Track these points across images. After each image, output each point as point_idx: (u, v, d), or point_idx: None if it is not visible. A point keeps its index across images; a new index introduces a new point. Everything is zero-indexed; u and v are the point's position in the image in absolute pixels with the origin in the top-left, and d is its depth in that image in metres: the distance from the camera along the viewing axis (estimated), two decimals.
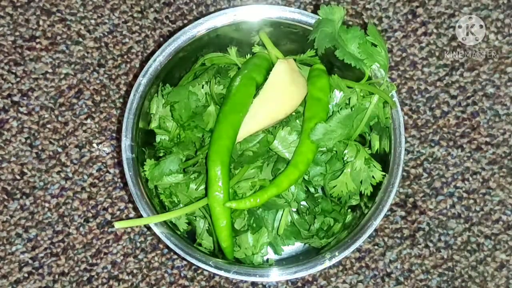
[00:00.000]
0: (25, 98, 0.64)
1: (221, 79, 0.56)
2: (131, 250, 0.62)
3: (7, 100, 0.64)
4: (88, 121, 0.64)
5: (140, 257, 0.62)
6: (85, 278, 0.61)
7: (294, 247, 0.58)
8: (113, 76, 0.65)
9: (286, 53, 0.56)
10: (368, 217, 0.52)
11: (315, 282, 0.62)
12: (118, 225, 0.51)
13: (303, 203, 0.55)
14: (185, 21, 0.66)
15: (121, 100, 0.64)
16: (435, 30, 0.65)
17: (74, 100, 0.64)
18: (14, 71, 0.64)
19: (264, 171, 0.53)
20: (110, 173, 0.63)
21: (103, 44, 0.65)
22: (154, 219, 0.51)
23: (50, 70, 0.64)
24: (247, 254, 0.54)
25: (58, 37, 0.65)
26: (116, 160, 0.63)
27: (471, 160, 0.64)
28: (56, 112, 0.64)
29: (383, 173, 0.52)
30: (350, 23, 0.66)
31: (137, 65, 0.65)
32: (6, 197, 0.62)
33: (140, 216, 0.51)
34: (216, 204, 0.50)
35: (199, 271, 0.62)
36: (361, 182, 0.52)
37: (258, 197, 0.50)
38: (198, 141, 0.55)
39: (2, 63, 0.64)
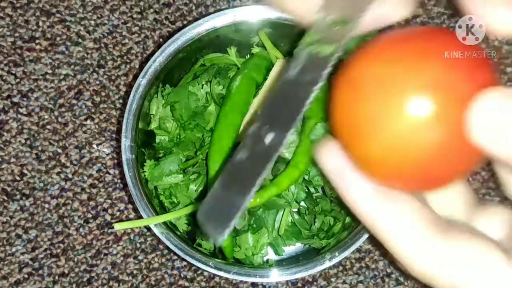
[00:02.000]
0: (24, 99, 0.64)
1: (220, 80, 0.56)
2: (131, 251, 0.62)
3: (6, 101, 0.64)
4: (88, 122, 0.64)
5: (140, 258, 0.62)
6: (85, 279, 0.61)
7: (294, 247, 0.58)
8: (113, 77, 0.65)
9: (285, 54, 0.56)
10: None
11: (315, 283, 0.62)
12: (118, 226, 0.51)
13: (304, 203, 0.55)
14: (185, 22, 0.66)
15: (121, 101, 0.64)
16: None
17: (74, 101, 0.64)
18: (13, 72, 0.64)
19: None
20: (110, 174, 0.63)
21: (102, 45, 0.65)
22: (154, 220, 0.51)
23: (49, 71, 0.64)
24: (247, 255, 0.54)
25: (58, 38, 0.65)
26: (116, 161, 0.63)
27: None
28: (56, 113, 0.64)
29: None
30: None
31: (137, 66, 0.65)
32: (6, 198, 0.62)
33: (140, 217, 0.51)
34: None
35: (199, 272, 0.62)
36: None
37: (258, 196, 0.50)
38: (198, 141, 0.55)
39: (2, 64, 0.64)
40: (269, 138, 0.28)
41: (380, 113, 0.29)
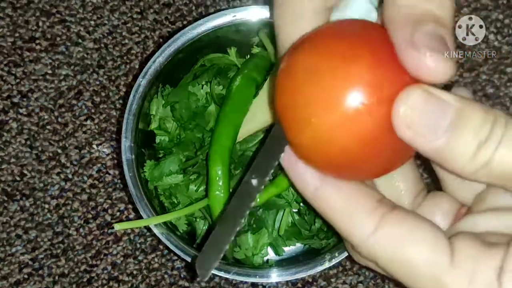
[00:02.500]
0: (24, 99, 0.64)
1: (220, 80, 0.56)
2: (131, 251, 0.62)
3: (6, 101, 0.64)
4: (88, 122, 0.64)
5: (140, 258, 0.61)
6: (85, 280, 0.61)
7: (294, 248, 0.58)
8: (113, 77, 0.65)
9: None
10: None
11: (315, 283, 0.62)
12: (118, 226, 0.51)
13: (304, 203, 0.55)
14: (185, 22, 0.66)
15: (120, 101, 0.64)
16: None
17: (74, 101, 0.64)
18: (13, 72, 0.64)
19: None
20: (110, 174, 0.63)
21: (102, 45, 0.65)
22: (154, 220, 0.51)
23: (49, 71, 0.64)
24: (247, 255, 0.54)
25: (58, 38, 0.65)
26: (116, 161, 0.63)
27: None
28: (56, 113, 0.64)
29: None
30: None
31: (137, 66, 0.65)
32: (6, 198, 0.62)
33: (140, 217, 0.51)
34: (217, 204, 0.50)
35: None
36: None
37: (258, 196, 0.50)
38: (198, 142, 0.55)
39: (2, 64, 0.64)
40: (254, 182, 0.36)
41: (311, 104, 0.30)
